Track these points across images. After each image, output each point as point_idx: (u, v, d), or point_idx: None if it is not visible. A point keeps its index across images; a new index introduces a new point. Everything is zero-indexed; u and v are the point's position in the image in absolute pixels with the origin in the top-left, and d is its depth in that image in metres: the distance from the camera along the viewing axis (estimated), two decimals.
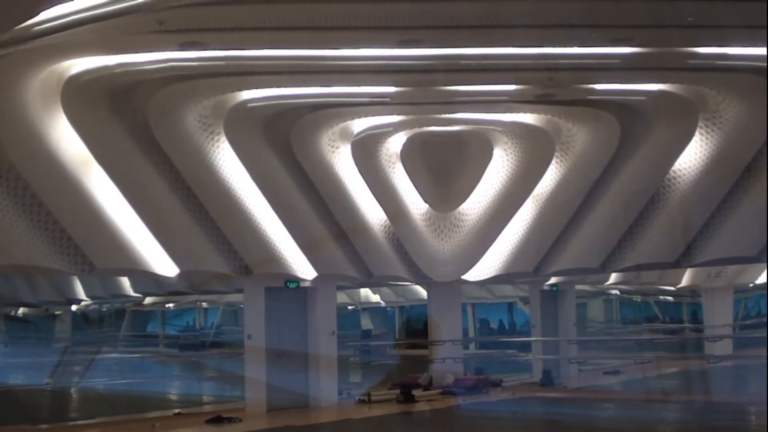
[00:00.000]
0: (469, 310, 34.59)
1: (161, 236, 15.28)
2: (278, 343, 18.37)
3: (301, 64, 13.31)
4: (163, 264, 15.53)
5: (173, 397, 23.02)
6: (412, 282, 23.82)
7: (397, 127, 18.11)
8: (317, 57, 12.92)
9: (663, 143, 17.10)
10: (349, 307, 36.42)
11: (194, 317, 38.37)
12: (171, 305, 37.16)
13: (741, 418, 16.76)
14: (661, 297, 35.39)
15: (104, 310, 36.24)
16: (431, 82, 14.78)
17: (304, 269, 18.09)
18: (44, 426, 17.23)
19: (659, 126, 16.92)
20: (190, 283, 24.92)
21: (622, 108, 16.56)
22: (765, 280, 28.31)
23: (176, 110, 14.77)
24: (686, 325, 35.93)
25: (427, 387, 20.87)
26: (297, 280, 18.25)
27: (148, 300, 34.11)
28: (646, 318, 37.20)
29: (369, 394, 19.64)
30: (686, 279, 28.50)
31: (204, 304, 36.24)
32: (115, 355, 32.01)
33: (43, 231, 13.55)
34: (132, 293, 29.85)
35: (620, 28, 11.86)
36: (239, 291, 21.31)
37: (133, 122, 14.40)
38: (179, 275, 16.04)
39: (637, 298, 36.83)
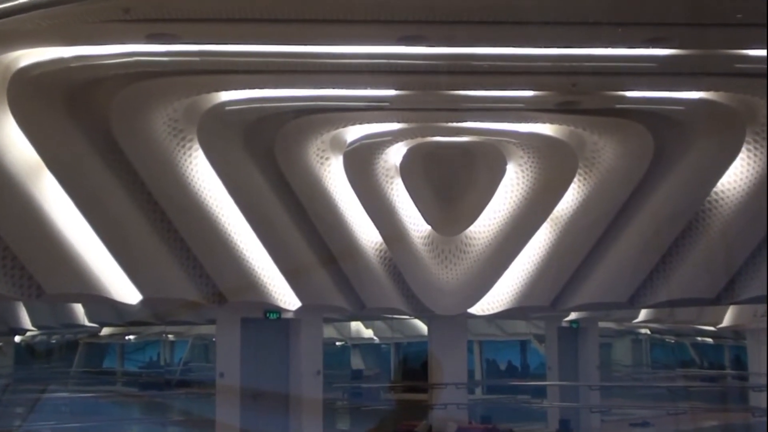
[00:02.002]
0: (476, 348, 34.55)
1: (122, 257, 15.25)
2: (255, 382, 18.33)
3: (287, 62, 13.30)
4: (123, 289, 15.50)
5: None
6: (410, 315, 23.75)
7: (396, 137, 18.11)
8: (305, 54, 12.91)
9: (704, 160, 17.10)
10: (338, 343, 36.32)
11: (158, 351, 38.27)
12: (132, 337, 37.05)
13: None
14: (699, 338, 35.34)
15: (53, 341, 36.12)
16: (436, 85, 14.78)
17: (286, 298, 18.05)
18: None
19: (699, 140, 16.92)
20: (154, 311, 24.82)
21: (656, 119, 16.55)
22: None
23: (142, 112, 14.76)
24: (727, 371, 35.86)
25: None
26: (278, 310, 18.22)
27: (105, 331, 34.01)
28: (681, 362, 37.15)
29: None
30: (728, 318, 28.44)
31: (170, 337, 36.14)
32: (66, 395, 31.82)
33: None
34: (86, 323, 29.75)
35: (656, 26, 11.86)
36: (211, 322, 21.27)
37: (91, 125, 14.38)
38: (142, 302, 16.00)
39: (671, 339, 36.78)
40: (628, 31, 11.97)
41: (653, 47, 12.74)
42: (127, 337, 37.00)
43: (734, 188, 17.23)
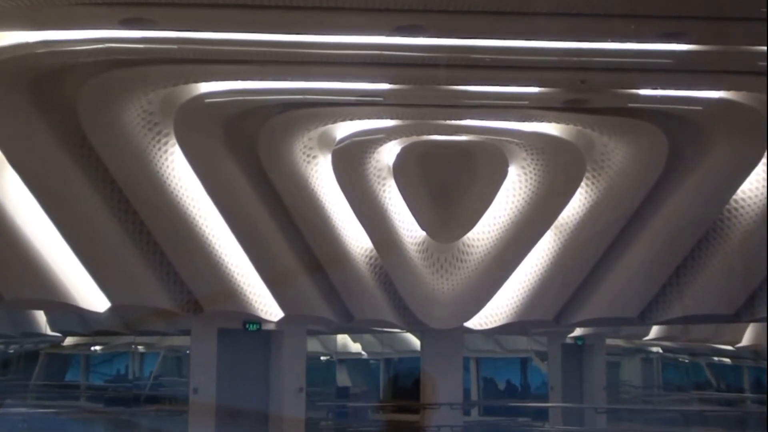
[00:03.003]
0: (473, 365, 34.46)
1: (89, 261, 15.26)
2: (232, 399, 18.35)
3: (273, 52, 13.33)
4: (89, 296, 15.51)
5: None
6: (402, 329, 23.78)
7: (389, 134, 18.15)
8: (293, 44, 12.93)
9: (722, 164, 17.17)
10: (323, 358, 36.26)
11: (127, 364, 38.07)
12: (98, 348, 36.88)
13: None
14: (716, 358, 35.33)
15: (11, 351, 35.97)
16: (433, 80, 14.81)
17: (267, 308, 18.08)
18: None
19: (718, 143, 16.98)
20: (123, 320, 24.82)
21: (671, 119, 16.61)
22: None
23: (114, 103, 14.77)
24: (747, 394, 35.86)
25: None
26: (258, 321, 18.24)
27: (68, 341, 33.88)
28: (696, 384, 37.08)
29: None
30: (748, 337, 28.45)
31: (140, 348, 36.00)
32: (24, 410, 31.74)
33: None
34: (48, 332, 29.67)
35: (672, 19, 11.92)
36: (185, 333, 21.26)
37: (58, 116, 14.38)
38: (110, 310, 16.01)
39: (685, 359, 36.77)
40: (642, 24, 12.03)
41: (669, 42, 12.80)
42: (92, 348, 36.80)
43: (755, 195, 17.31)
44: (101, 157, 14.96)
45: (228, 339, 18.36)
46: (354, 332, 32.72)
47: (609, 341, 26.73)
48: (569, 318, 20.12)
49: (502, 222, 19.63)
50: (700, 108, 16.18)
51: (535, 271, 19.84)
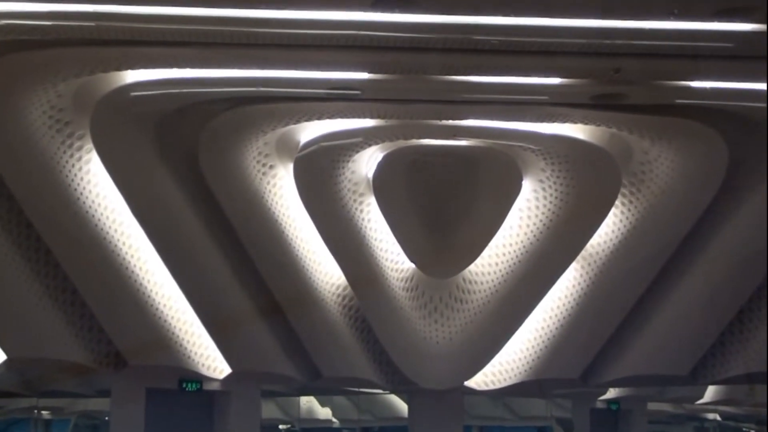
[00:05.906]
0: None
1: None
2: None
3: (221, 32, 13.36)
4: None
5: None
6: (384, 389, 23.80)
7: (369, 138, 18.17)
8: (245, 21, 12.97)
9: None
10: (282, 427, 36.29)
11: None
12: None
13: None
14: None
15: None
16: (425, 68, 14.86)
17: (210, 363, 18.08)
18: None
19: None
20: (23, 378, 24.79)
21: (731, 120, 16.65)
22: None
23: (13, 96, 14.77)
24: None
25: None
26: (199, 379, 18.23)
27: None
28: None
29: None
30: None
31: (45, 414, 36.00)
32: None
33: None
34: None
35: None
36: (104, 394, 21.26)
37: None
38: (6, 365, 15.99)
39: (750, 428, 36.89)
40: None
41: (728, 21, 12.88)
42: None
43: None
44: None
45: (159, 402, 18.35)
46: (322, 393, 32.74)
47: (652, 406, 26.80)
48: (600, 376, 20.16)
49: (514, 252, 19.65)
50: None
51: (556, 315, 19.87)
